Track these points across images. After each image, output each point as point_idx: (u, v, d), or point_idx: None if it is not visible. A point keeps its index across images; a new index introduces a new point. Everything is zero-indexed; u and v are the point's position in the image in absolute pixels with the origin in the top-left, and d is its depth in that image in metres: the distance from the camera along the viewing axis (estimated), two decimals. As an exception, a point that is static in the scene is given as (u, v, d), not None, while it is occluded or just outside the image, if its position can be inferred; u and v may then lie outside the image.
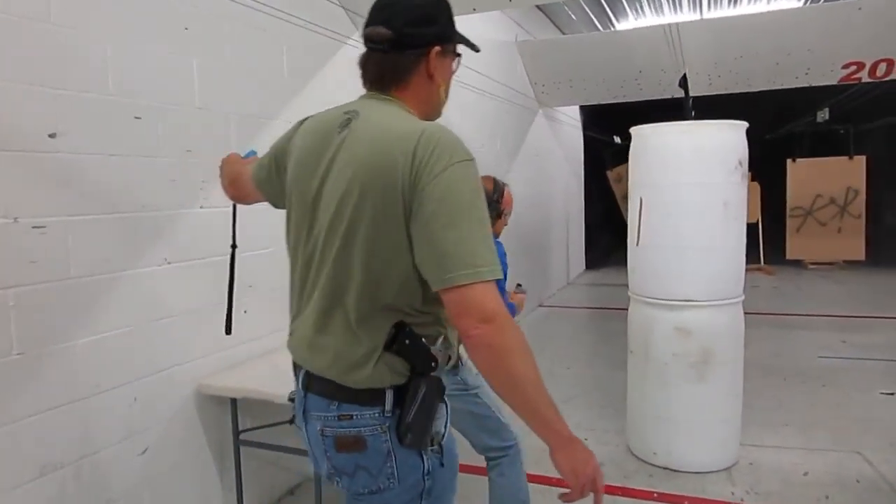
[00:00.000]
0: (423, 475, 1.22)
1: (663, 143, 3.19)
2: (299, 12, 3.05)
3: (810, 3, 7.12)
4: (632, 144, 3.35)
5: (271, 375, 2.51)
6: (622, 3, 7.20)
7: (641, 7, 7.37)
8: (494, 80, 5.76)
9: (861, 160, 5.97)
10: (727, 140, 3.12)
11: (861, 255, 6.19)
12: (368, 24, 1.26)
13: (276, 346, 2.87)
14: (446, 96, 1.35)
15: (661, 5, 7.29)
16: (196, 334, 2.46)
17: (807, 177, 6.60)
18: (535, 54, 6.60)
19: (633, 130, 3.33)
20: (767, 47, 5.92)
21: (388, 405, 1.18)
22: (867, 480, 3.07)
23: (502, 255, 2.37)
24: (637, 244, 3.31)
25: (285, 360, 2.75)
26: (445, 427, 1.26)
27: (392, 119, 1.20)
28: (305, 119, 1.39)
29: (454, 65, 1.34)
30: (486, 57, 5.73)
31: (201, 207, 2.49)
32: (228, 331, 1.78)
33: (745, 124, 3.21)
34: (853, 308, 6.58)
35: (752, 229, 7.94)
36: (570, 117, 9.36)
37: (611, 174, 9.39)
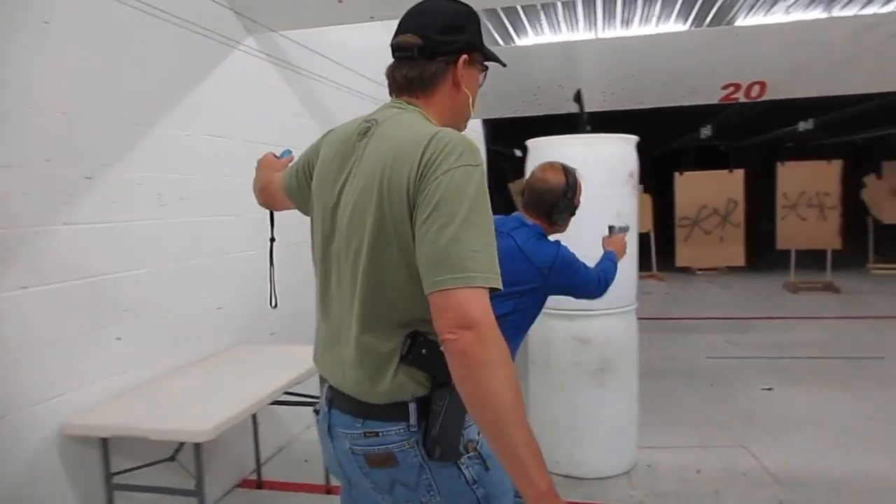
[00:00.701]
0: (468, 484, 1.19)
1: (560, 156, 3.24)
2: (182, 12, 2.84)
3: (694, 26, 7.64)
4: (528, 157, 3.39)
5: (147, 409, 2.28)
6: (522, 20, 7.39)
7: (541, 24, 7.59)
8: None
9: (740, 173, 6.49)
10: (620, 153, 3.23)
11: (742, 261, 6.72)
12: (398, 34, 1.27)
13: (153, 376, 2.62)
14: (473, 109, 1.33)
15: (558, 24, 7.55)
16: (59, 368, 2.19)
17: (692, 189, 7.10)
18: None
19: (530, 143, 3.37)
20: (657, 67, 6.28)
21: (413, 419, 1.15)
22: (752, 473, 3.24)
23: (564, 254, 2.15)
24: (537, 255, 3.34)
25: (163, 392, 2.49)
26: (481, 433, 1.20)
27: (409, 126, 1.18)
28: (331, 130, 1.38)
29: (481, 78, 1.34)
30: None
31: (65, 224, 2.23)
32: (274, 304, 1.72)
33: (636, 138, 3.33)
34: (736, 310, 7.07)
35: (645, 238, 8.43)
36: (472, 130, 9.47)
37: (513, 187, 9.60)
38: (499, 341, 1.02)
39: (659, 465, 3.38)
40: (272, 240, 1.74)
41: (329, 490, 3.05)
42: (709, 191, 6.63)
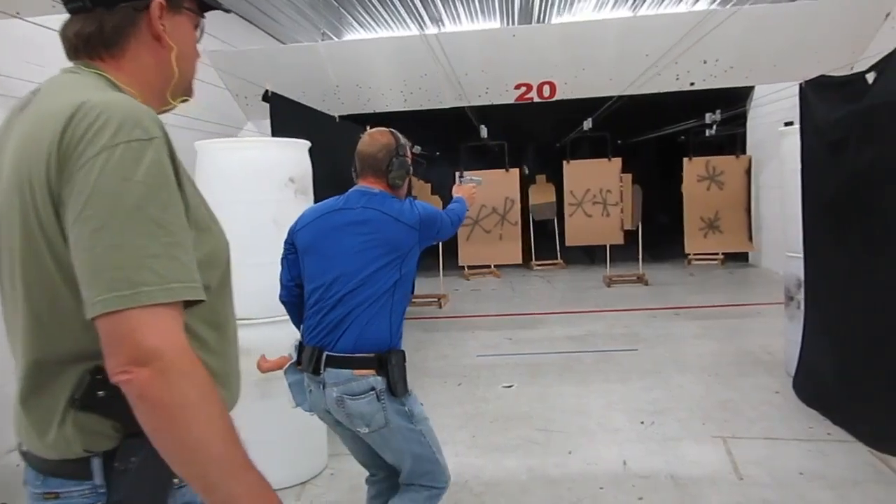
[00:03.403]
0: None
1: (214, 159, 3.15)
2: None
3: (507, 23, 7.76)
4: (197, 159, 3.27)
5: None
6: (344, 13, 7.28)
7: (360, 22, 7.52)
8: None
9: (515, 172, 6.64)
10: (275, 157, 3.16)
11: (519, 259, 6.88)
12: None
13: None
14: (192, 69, 1.07)
15: (384, 20, 7.49)
16: None
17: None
18: (233, 65, 6.41)
19: (198, 145, 3.26)
20: (445, 67, 6.32)
21: (98, 478, 0.91)
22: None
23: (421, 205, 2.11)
24: (203, 264, 3.24)
25: None
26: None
27: (62, 95, 0.89)
28: None
29: (198, 32, 1.07)
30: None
31: None
32: None
33: (305, 143, 3.29)
34: (543, 305, 7.23)
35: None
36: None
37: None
38: (193, 374, 0.81)
39: (342, 473, 3.34)
40: None
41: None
42: (490, 190, 6.73)
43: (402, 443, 2.00)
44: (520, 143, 9.40)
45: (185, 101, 1.11)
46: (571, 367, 4.94)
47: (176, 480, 0.93)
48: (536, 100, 6.67)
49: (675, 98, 7.03)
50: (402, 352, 1.99)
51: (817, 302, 3.80)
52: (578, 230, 7.05)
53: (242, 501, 0.83)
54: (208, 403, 0.82)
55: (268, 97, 3.53)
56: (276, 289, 3.19)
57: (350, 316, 1.94)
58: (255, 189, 3.09)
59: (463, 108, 6.71)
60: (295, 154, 3.22)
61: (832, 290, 3.63)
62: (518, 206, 6.40)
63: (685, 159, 6.53)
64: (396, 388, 1.93)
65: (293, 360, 2.13)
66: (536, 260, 9.68)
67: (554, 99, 6.66)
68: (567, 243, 7.29)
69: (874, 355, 3.28)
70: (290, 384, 2.15)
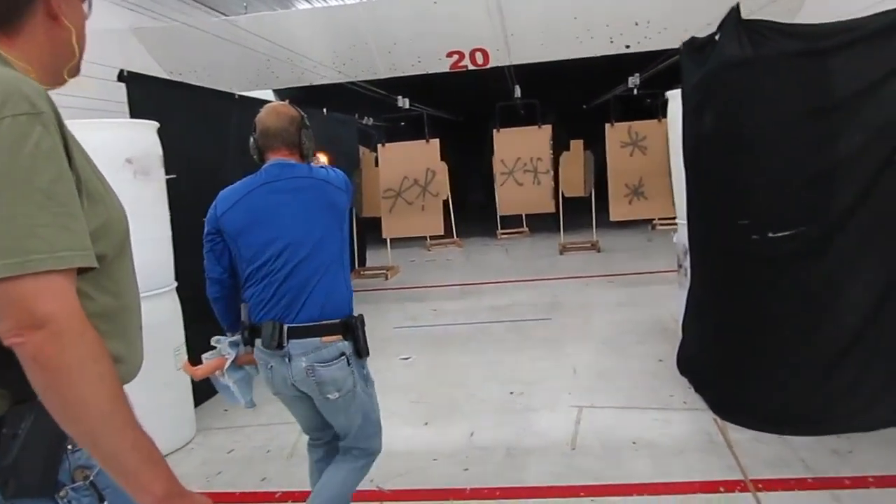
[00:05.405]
0: None
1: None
2: None
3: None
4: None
5: None
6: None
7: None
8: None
9: (435, 143, 6.53)
10: (108, 138, 3.17)
11: (440, 230, 6.81)
12: None
13: None
14: (81, 49, 1.09)
15: None
16: None
17: (394, 160, 7.07)
18: (161, 42, 6.41)
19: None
20: (374, 36, 6.22)
21: None
22: (278, 449, 3.33)
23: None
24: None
25: None
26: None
27: None
28: None
29: (85, 7, 1.09)
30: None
31: None
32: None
33: (149, 123, 3.30)
34: (488, 275, 7.22)
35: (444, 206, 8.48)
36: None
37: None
38: (83, 336, 0.86)
39: (202, 448, 3.44)
40: None
41: None
42: (409, 161, 6.65)
43: (360, 405, 2.04)
44: (484, 110, 9.25)
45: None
46: (476, 337, 4.96)
47: (70, 446, 0.97)
48: (471, 67, 6.53)
49: (633, 59, 6.79)
50: (362, 315, 2.03)
51: (690, 269, 3.74)
52: (510, 199, 6.96)
53: (124, 453, 0.89)
54: (98, 363, 0.87)
55: (123, 77, 3.53)
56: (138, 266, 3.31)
57: (308, 284, 1.93)
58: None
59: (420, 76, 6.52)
60: (133, 135, 3.24)
61: (697, 256, 3.56)
62: (441, 177, 6.34)
63: (607, 125, 6.36)
64: (363, 350, 1.99)
65: (232, 358, 2.09)
66: (503, 228, 9.65)
67: (489, 66, 6.52)
68: (500, 213, 7.21)
69: (724, 323, 3.24)
70: (237, 381, 2.11)
